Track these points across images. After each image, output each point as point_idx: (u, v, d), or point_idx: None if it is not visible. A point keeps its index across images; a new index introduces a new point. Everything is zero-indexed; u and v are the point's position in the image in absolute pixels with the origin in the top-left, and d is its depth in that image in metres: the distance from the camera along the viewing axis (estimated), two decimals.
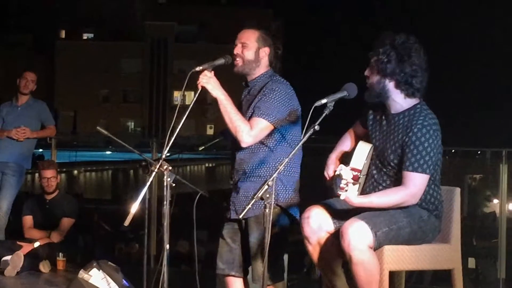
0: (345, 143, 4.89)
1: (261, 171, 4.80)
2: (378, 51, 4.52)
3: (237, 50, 4.89)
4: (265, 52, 4.90)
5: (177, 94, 66.21)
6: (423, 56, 4.54)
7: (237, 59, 4.88)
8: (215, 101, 4.70)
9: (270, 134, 4.78)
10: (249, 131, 4.69)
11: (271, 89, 4.78)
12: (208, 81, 4.66)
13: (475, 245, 11.67)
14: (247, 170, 4.85)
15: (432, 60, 4.64)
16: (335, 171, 4.51)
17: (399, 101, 4.57)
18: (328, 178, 4.64)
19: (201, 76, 4.66)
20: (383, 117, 4.66)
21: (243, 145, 4.73)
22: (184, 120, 4.51)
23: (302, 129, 4.36)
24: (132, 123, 70.00)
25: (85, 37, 71.28)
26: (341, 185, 4.31)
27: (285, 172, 4.78)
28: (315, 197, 4.79)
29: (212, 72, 4.69)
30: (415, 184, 4.45)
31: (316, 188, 4.83)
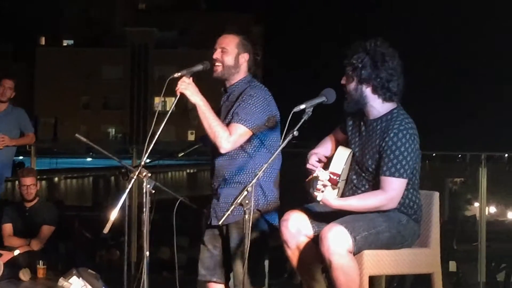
0: (326, 146, 4.89)
1: (241, 177, 4.81)
2: (352, 58, 4.54)
3: (217, 55, 4.89)
4: (244, 58, 4.91)
5: (158, 100, 66.14)
6: (398, 60, 4.56)
7: (217, 64, 4.88)
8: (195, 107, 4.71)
9: (249, 140, 4.78)
10: (227, 137, 4.69)
11: (250, 95, 4.78)
12: (187, 87, 4.66)
13: (455, 248, 11.72)
14: (226, 177, 4.85)
15: (410, 64, 4.67)
16: (316, 169, 4.51)
17: (377, 106, 4.58)
18: (313, 169, 4.60)
19: (179, 82, 4.66)
20: (362, 123, 4.67)
21: (222, 151, 4.73)
22: (164, 126, 4.52)
23: (281, 134, 4.37)
24: (113, 130, 69.87)
25: (65, 44, 71.12)
26: (318, 186, 4.32)
27: (265, 177, 4.78)
28: (295, 202, 4.79)
29: (191, 78, 4.69)
30: (393, 188, 4.47)
31: (296, 192, 4.83)
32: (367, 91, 4.56)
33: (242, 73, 4.92)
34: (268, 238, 4.94)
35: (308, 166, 4.71)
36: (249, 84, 4.87)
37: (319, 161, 4.73)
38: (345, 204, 4.49)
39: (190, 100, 4.69)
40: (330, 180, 4.40)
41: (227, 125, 4.75)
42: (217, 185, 4.92)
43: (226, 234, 4.90)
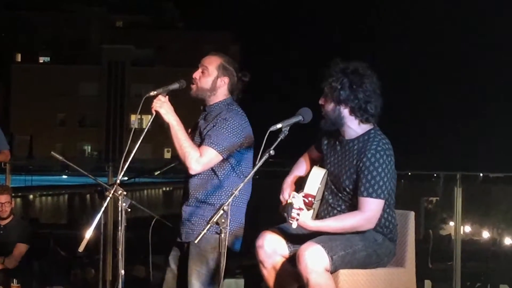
0: (300, 168, 4.91)
1: (210, 199, 4.80)
2: (331, 79, 4.56)
3: (196, 74, 4.88)
4: (223, 81, 4.87)
5: (134, 118, 65.98)
6: (376, 81, 4.58)
7: (193, 83, 4.88)
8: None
9: (220, 165, 4.77)
10: (198, 159, 4.68)
11: (224, 119, 4.76)
12: (162, 105, 4.66)
13: (431, 267, 11.73)
14: (195, 196, 4.85)
15: (386, 85, 4.69)
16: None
17: (354, 127, 4.60)
18: (283, 203, 4.64)
19: (155, 101, 4.66)
20: (337, 143, 4.69)
21: (192, 172, 4.72)
22: (140, 144, 4.51)
23: (256, 157, 4.35)
24: (89, 147, 69.57)
25: (41, 61, 70.86)
26: (293, 214, 4.31)
27: (233, 203, 4.75)
28: (271, 221, 4.79)
29: (167, 96, 4.69)
30: (371, 209, 4.48)
31: (272, 211, 4.83)
32: (345, 112, 4.58)
33: (220, 96, 4.89)
34: (228, 262, 4.93)
35: (281, 198, 4.71)
36: (227, 108, 4.85)
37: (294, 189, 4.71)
38: (322, 225, 4.50)
39: (163, 118, 4.68)
40: (305, 203, 4.40)
41: (199, 145, 4.75)
42: (184, 203, 4.93)
43: (186, 252, 4.88)
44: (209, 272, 4.72)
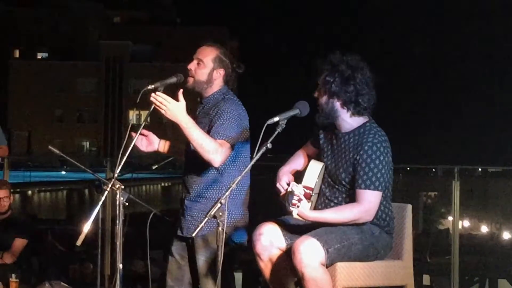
0: (297, 161, 4.91)
1: (209, 193, 4.82)
2: (324, 72, 4.58)
3: (192, 66, 4.88)
4: (219, 73, 4.89)
5: (132, 114, 65.93)
6: (369, 74, 4.59)
7: (189, 76, 4.88)
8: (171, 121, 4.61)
9: None
10: (219, 149, 4.60)
11: (224, 110, 4.75)
12: (167, 109, 4.48)
13: (429, 261, 11.75)
14: (195, 191, 4.87)
15: (383, 78, 4.69)
16: (288, 185, 4.53)
17: (348, 120, 4.61)
18: (281, 191, 4.64)
19: (162, 105, 4.48)
20: (334, 137, 4.70)
21: (216, 164, 4.64)
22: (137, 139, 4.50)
23: (252, 149, 4.35)
24: (88, 143, 69.56)
25: (39, 57, 70.81)
26: (293, 201, 4.33)
27: (231, 196, 4.75)
28: (268, 215, 4.80)
29: (181, 97, 4.56)
30: (369, 201, 4.49)
31: (269, 205, 4.84)
32: (337, 104, 4.59)
33: (216, 87, 4.91)
34: (235, 254, 4.94)
35: (278, 186, 4.71)
36: (224, 97, 4.86)
37: (288, 183, 4.71)
38: (321, 216, 4.51)
39: (173, 120, 4.55)
40: (304, 194, 4.41)
41: None
42: (184, 197, 4.94)
43: (192, 247, 4.90)
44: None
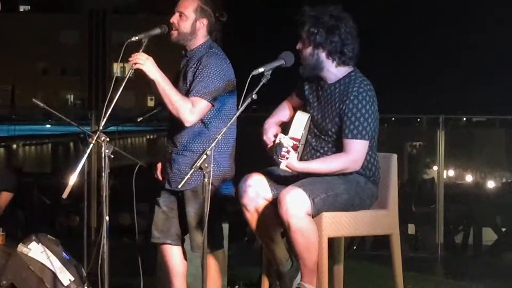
0: (282, 112, 4.91)
1: (195, 146, 4.81)
2: (307, 23, 4.56)
3: (174, 19, 4.86)
4: (202, 23, 4.86)
5: (116, 66, 65.66)
6: (352, 24, 4.59)
7: (173, 29, 4.85)
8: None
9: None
10: (191, 109, 4.66)
11: (205, 65, 4.73)
12: (144, 62, 4.60)
13: (414, 211, 11.81)
14: (181, 144, 4.86)
15: (367, 27, 4.68)
16: (275, 137, 4.54)
17: (333, 70, 4.61)
18: (268, 143, 4.65)
19: (136, 58, 4.58)
20: (319, 87, 4.69)
21: (187, 124, 4.69)
22: (123, 92, 4.49)
23: (239, 100, 4.35)
24: (72, 96, 69.28)
25: (21, 9, 70.16)
26: (282, 153, 4.34)
27: (218, 148, 4.77)
28: (254, 167, 4.80)
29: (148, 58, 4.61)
30: (357, 150, 4.50)
31: (254, 157, 4.84)
32: (323, 55, 4.59)
33: (200, 38, 4.88)
34: (224, 205, 4.95)
35: (265, 138, 4.71)
36: (207, 51, 4.84)
37: (276, 135, 4.71)
38: (308, 166, 4.53)
39: (147, 76, 4.63)
40: (291, 145, 4.42)
41: (186, 93, 4.74)
42: (170, 151, 4.93)
43: (181, 199, 4.91)
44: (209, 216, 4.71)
